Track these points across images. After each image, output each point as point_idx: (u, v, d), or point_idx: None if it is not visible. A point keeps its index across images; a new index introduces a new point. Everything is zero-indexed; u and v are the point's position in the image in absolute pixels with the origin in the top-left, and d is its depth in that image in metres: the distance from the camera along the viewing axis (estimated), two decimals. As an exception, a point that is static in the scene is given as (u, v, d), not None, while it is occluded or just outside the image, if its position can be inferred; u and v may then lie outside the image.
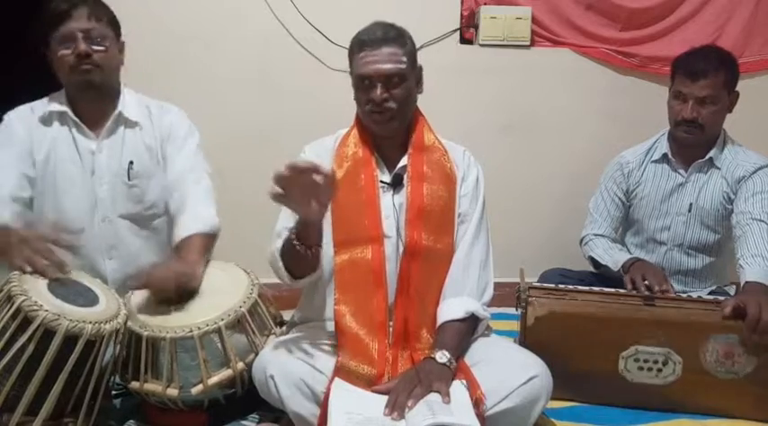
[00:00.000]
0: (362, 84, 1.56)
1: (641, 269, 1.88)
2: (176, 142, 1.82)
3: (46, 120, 1.76)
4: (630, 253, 2.19)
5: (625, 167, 2.15)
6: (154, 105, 1.85)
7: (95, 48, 1.69)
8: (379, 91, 1.53)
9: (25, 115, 1.78)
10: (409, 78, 1.57)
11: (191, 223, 1.70)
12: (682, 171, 2.08)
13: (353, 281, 1.56)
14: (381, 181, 1.61)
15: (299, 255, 1.44)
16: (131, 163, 1.78)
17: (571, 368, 1.70)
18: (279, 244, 1.50)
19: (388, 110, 1.55)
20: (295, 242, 1.42)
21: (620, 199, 2.17)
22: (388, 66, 1.53)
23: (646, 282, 1.80)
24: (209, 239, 1.71)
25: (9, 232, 1.52)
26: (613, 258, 2.03)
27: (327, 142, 1.69)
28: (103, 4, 1.76)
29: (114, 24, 1.77)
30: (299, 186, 1.30)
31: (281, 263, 1.50)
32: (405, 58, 1.55)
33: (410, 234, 1.56)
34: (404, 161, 1.62)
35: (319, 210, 1.36)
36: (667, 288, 1.78)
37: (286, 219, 1.54)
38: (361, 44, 1.56)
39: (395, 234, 1.58)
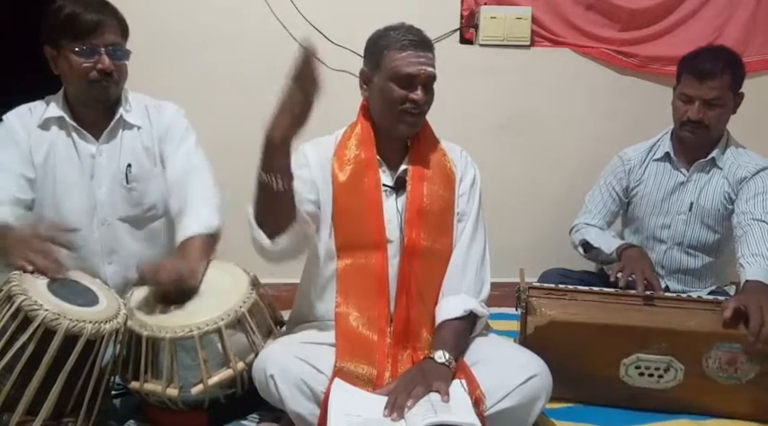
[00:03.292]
0: (402, 82, 1.54)
1: (631, 263, 1.86)
2: (174, 141, 1.81)
3: (44, 125, 1.74)
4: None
5: (627, 163, 2.15)
6: (151, 105, 1.84)
7: (117, 64, 1.69)
8: (420, 92, 1.54)
9: (24, 116, 1.76)
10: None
11: (192, 224, 1.69)
12: (683, 170, 2.08)
13: (356, 287, 1.56)
14: (384, 185, 1.60)
15: (268, 195, 1.38)
16: (129, 166, 1.77)
17: (571, 373, 1.69)
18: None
19: (422, 113, 1.59)
20: (260, 171, 1.39)
21: (617, 194, 2.17)
22: (432, 69, 1.57)
23: (630, 278, 1.80)
24: (210, 240, 1.70)
25: (7, 232, 1.51)
26: (607, 242, 2.04)
27: (328, 142, 1.67)
28: (122, 16, 1.74)
29: (128, 36, 1.76)
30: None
31: (254, 222, 1.45)
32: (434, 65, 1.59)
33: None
34: (406, 164, 1.62)
35: (288, 124, 1.38)
36: (654, 288, 1.77)
37: None
38: (403, 43, 1.55)
39: (397, 237, 1.58)
